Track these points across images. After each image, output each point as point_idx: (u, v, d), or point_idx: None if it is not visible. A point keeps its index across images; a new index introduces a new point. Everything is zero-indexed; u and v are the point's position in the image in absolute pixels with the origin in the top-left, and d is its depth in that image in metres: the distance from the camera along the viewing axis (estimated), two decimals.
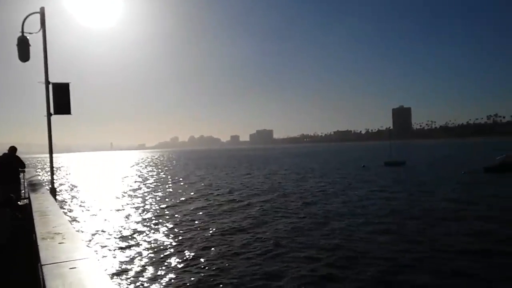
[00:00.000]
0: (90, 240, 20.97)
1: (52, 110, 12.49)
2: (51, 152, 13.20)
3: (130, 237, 21.73)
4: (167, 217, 27.61)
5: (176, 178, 63.88)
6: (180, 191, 43.95)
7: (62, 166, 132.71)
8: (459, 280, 13.56)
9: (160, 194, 41.84)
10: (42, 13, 12.45)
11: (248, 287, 13.62)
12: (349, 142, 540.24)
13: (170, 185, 51.85)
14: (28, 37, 12.29)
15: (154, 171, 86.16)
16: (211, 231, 22.40)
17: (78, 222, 26.71)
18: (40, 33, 12.45)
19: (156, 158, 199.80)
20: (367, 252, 17.01)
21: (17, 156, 12.50)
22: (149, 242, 20.37)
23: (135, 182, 58.95)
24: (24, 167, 12.90)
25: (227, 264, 16.16)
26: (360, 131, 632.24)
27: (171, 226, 24.40)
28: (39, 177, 13.03)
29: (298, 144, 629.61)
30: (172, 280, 14.54)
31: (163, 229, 23.58)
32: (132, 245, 19.83)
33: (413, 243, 18.21)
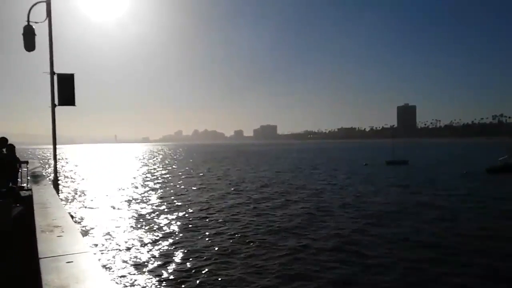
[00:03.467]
0: (89, 234, 20.98)
1: (56, 101, 12.47)
2: (54, 144, 13.20)
3: (130, 231, 21.76)
4: (169, 211, 27.66)
5: (181, 172, 64.03)
6: (184, 186, 44.04)
7: (66, 158, 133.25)
8: (450, 278, 13.54)
9: (163, 188, 41.91)
10: (48, 2, 12.42)
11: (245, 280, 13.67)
12: (353, 139, 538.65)
13: (173, 179, 51.96)
14: (34, 27, 12.25)
15: (158, 165, 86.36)
16: (211, 227, 22.46)
17: (79, 215, 26.76)
18: (46, 23, 12.42)
19: (159, 151, 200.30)
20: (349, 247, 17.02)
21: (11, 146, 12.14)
22: (150, 237, 20.39)
23: (138, 175, 59.10)
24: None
25: (226, 260, 16.21)
26: (365, 129, 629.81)
27: (173, 221, 24.43)
28: (42, 169, 13.06)
29: (302, 140, 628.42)
30: (171, 276, 14.57)
31: (164, 224, 23.62)
32: (133, 240, 19.87)
33: (396, 242, 18.20)
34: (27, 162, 13.13)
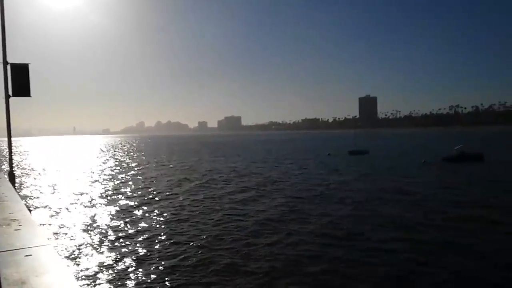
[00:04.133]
0: (48, 227, 20.44)
1: (10, 92, 11.99)
2: (9, 136, 12.68)
3: (89, 224, 21.32)
4: (127, 202, 27.26)
5: (140, 163, 63.00)
6: (143, 177, 43.41)
7: (22, 151, 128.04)
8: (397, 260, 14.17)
9: (121, 180, 41.16)
10: None
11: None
12: (317, 130, 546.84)
13: (132, 171, 51.09)
14: None
15: (117, 157, 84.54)
16: (167, 214, 22.33)
17: (37, 208, 25.94)
18: None
19: (119, 143, 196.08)
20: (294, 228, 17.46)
21: None
22: (110, 229, 20.07)
23: (97, 167, 57.69)
24: None
25: (197, 251, 16.20)
26: (328, 120, 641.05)
27: (131, 210, 24.18)
28: None
29: (267, 131, 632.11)
30: (130, 268, 14.43)
31: (123, 216, 23.28)
32: (91, 231, 19.52)
33: (358, 223, 18.83)
34: None
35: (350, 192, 29.53)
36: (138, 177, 43.77)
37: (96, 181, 40.62)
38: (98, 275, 13.65)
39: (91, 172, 50.62)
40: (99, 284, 12.95)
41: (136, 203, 27.14)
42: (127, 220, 22.12)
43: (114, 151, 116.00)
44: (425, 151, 74.69)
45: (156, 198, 29.17)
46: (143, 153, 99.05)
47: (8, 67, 11.87)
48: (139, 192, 32.21)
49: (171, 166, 57.19)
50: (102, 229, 20.16)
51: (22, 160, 77.96)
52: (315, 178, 38.45)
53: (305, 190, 30.81)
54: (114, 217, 22.85)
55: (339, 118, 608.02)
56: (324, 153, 75.98)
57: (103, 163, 67.55)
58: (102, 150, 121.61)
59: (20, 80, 11.90)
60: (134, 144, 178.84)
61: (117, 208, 25.59)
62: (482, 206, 23.78)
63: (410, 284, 12.67)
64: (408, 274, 13.33)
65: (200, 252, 16.00)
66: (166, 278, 13.38)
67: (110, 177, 44.35)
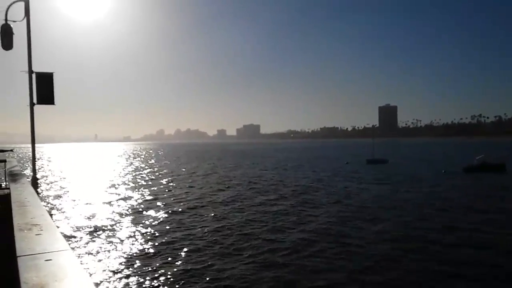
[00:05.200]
0: (68, 233, 20.73)
1: (35, 100, 12.31)
2: (33, 142, 12.99)
3: (110, 230, 21.55)
4: (150, 210, 27.45)
5: (162, 172, 63.55)
6: (166, 184, 43.75)
7: (45, 157, 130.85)
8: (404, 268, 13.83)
9: (147, 187, 41.55)
10: (26, 1, 12.23)
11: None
12: (335, 138, 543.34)
13: (155, 179, 51.56)
14: (11, 26, 12.07)
15: (139, 164, 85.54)
16: (200, 225, 22.39)
17: (58, 214, 26.40)
18: (24, 22, 12.23)
19: (141, 150, 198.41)
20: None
21: None
22: (132, 237, 20.24)
23: (119, 175, 58.45)
24: None
25: (214, 260, 16.19)
26: (347, 128, 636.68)
27: (157, 219, 24.29)
28: (21, 168, 12.85)
29: (285, 139, 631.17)
30: (150, 277, 14.47)
31: (149, 223, 23.46)
32: (112, 239, 19.70)
33: (375, 234, 18.50)
34: (5, 161, 12.93)
35: (365, 201, 29.15)
36: (160, 183, 44.13)
37: (118, 188, 41.13)
38: (118, 282, 13.75)
39: (113, 178, 51.29)
40: None
41: (159, 211, 27.32)
42: (150, 227, 22.28)
43: (137, 157, 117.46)
44: (446, 161, 73.31)
45: (185, 206, 29.18)
46: (167, 161, 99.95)
47: (33, 76, 12.22)
48: (164, 200, 32.41)
49: (193, 172, 57.56)
50: (123, 235, 20.35)
51: (45, 166, 79.64)
52: (332, 185, 38.08)
53: (324, 196, 30.53)
54: (136, 224, 23.05)
55: (358, 127, 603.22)
56: (342, 162, 75.46)
57: (123, 169, 68.41)
58: (122, 157, 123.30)
59: (45, 89, 12.21)
60: (161, 152, 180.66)
61: (140, 215, 25.84)
62: (498, 215, 23.25)
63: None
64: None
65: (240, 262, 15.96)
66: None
67: (132, 184, 44.83)
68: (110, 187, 41.64)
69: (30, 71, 12.28)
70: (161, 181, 46.53)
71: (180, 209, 27.53)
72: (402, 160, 77.66)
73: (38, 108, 12.61)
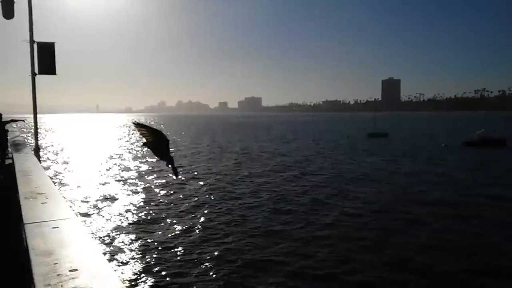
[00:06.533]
0: (73, 201, 21.01)
1: (36, 70, 12.26)
2: (35, 113, 13.03)
3: (113, 199, 21.80)
4: (153, 178, 27.67)
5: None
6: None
7: (46, 127, 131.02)
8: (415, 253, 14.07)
9: (149, 157, 41.75)
10: None
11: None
12: (337, 112, 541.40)
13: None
14: None
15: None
16: (190, 197, 22.60)
17: (62, 183, 26.66)
18: None
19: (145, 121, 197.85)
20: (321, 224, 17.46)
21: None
22: (136, 205, 20.48)
23: (121, 145, 58.62)
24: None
25: (209, 241, 16.44)
26: (349, 102, 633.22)
27: (156, 189, 24.49)
28: (23, 138, 12.92)
29: (287, 112, 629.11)
30: (155, 244, 14.70)
31: (149, 191, 23.69)
32: (116, 207, 19.97)
33: (369, 206, 18.72)
34: (7, 131, 12.99)
35: (360, 173, 29.43)
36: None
37: (120, 157, 41.34)
38: (122, 248, 14.02)
39: (116, 148, 51.43)
40: (124, 259, 13.29)
41: (163, 178, 27.52)
42: (153, 194, 22.51)
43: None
44: (447, 135, 73.23)
45: (189, 178, 29.27)
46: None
47: (35, 46, 12.12)
48: (169, 170, 32.55)
49: (199, 144, 57.69)
50: (127, 203, 20.61)
51: (47, 136, 79.84)
52: (331, 158, 38.21)
53: (322, 169, 30.71)
54: (140, 192, 23.29)
55: (360, 101, 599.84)
56: (343, 135, 75.72)
57: (125, 140, 68.56)
58: (126, 127, 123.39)
59: (46, 59, 12.15)
60: (168, 123, 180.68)
61: (143, 183, 26.10)
62: (491, 190, 23.38)
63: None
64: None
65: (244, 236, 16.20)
66: (200, 264, 13.62)
67: (135, 153, 44.97)
68: (112, 157, 41.84)
69: (32, 41, 12.19)
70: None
71: (183, 178, 27.62)
72: (402, 134, 77.66)
73: (39, 78, 12.59)
